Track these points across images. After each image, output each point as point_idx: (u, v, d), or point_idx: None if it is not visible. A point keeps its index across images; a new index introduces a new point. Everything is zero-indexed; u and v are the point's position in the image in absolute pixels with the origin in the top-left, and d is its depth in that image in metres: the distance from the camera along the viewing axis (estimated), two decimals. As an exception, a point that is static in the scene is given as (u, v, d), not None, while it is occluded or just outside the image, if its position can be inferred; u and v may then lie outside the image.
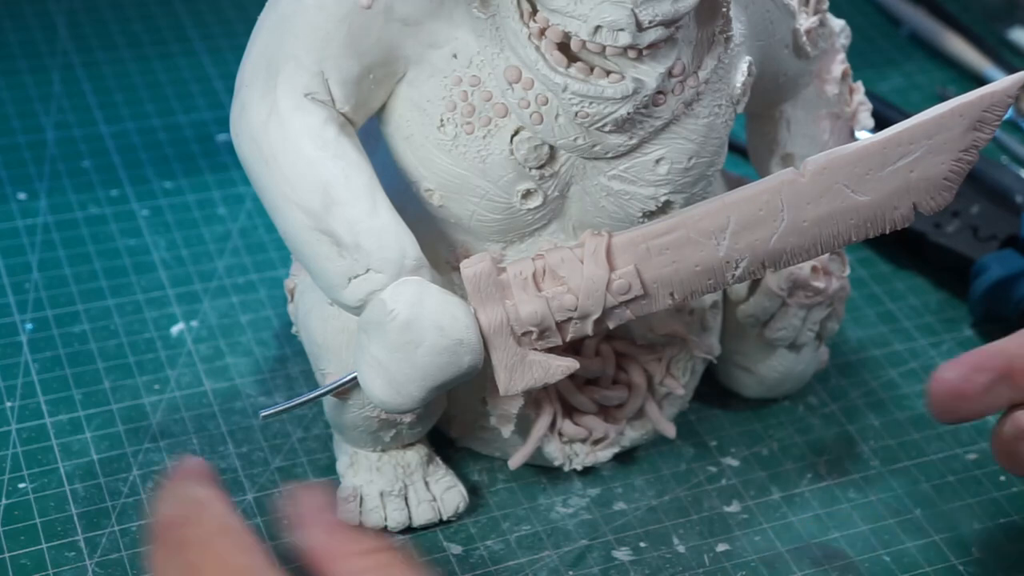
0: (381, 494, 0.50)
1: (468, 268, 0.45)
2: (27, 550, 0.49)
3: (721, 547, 0.52)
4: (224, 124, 0.70)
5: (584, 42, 0.42)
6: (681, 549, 0.52)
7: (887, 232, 0.46)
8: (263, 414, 0.47)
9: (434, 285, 0.44)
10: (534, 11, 0.43)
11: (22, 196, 0.64)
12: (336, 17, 0.44)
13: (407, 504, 0.51)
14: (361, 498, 0.50)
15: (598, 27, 0.41)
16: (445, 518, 0.51)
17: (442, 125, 0.45)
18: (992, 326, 0.63)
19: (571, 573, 0.50)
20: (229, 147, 0.69)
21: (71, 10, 0.77)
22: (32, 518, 0.50)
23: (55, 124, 0.69)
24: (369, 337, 0.44)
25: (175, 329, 0.58)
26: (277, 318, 0.59)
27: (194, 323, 0.59)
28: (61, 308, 0.58)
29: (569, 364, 0.46)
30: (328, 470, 0.53)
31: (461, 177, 0.45)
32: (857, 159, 0.45)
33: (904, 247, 0.67)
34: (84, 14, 0.77)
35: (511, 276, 0.45)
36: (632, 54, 0.42)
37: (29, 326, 0.58)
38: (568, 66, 0.43)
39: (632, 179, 0.46)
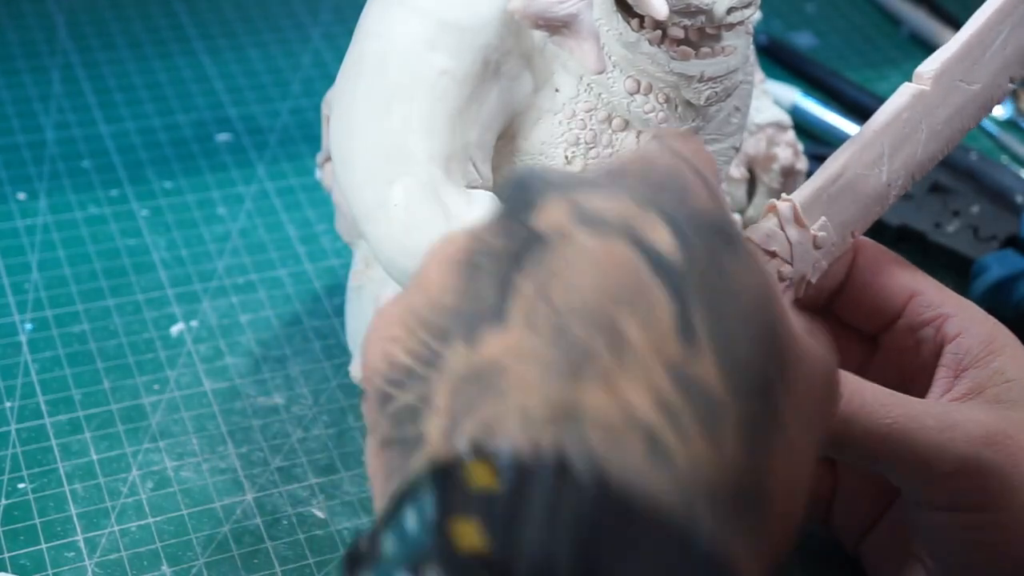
0: None
1: None
2: (27, 550, 0.49)
3: (721, 547, 0.52)
4: (223, 123, 0.71)
5: (688, 27, 0.42)
6: (681, 549, 0.52)
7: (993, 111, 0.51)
8: None
9: None
10: (640, 18, 0.42)
11: (22, 196, 0.64)
12: (464, 96, 0.41)
13: None
14: None
15: (731, 8, 0.42)
16: None
17: (568, 162, 0.44)
18: (992, 326, 0.63)
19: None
20: (228, 147, 0.69)
21: (71, 10, 0.77)
22: (32, 518, 0.50)
23: (55, 124, 0.69)
24: None
25: (175, 329, 0.58)
26: (277, 318, 0.59)
27: (194, 323, 0.59)
28: (61, 308, 0.58)
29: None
30: (328, 470, 0.53)
31: None
32: (964, 53, 0.47)
33: (904, 247, 0.67)
34: (84, 14, 0.77)
35: None
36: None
37: (29, 326, 0.57)
38: (696, 55, 0.43)
39: (719, 137, 0.46)
